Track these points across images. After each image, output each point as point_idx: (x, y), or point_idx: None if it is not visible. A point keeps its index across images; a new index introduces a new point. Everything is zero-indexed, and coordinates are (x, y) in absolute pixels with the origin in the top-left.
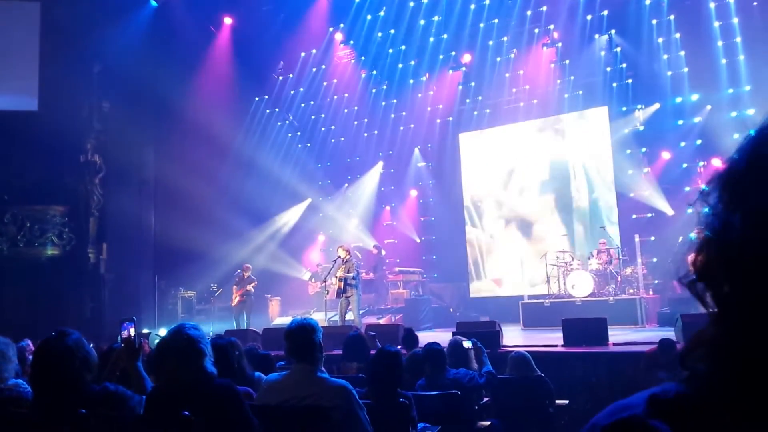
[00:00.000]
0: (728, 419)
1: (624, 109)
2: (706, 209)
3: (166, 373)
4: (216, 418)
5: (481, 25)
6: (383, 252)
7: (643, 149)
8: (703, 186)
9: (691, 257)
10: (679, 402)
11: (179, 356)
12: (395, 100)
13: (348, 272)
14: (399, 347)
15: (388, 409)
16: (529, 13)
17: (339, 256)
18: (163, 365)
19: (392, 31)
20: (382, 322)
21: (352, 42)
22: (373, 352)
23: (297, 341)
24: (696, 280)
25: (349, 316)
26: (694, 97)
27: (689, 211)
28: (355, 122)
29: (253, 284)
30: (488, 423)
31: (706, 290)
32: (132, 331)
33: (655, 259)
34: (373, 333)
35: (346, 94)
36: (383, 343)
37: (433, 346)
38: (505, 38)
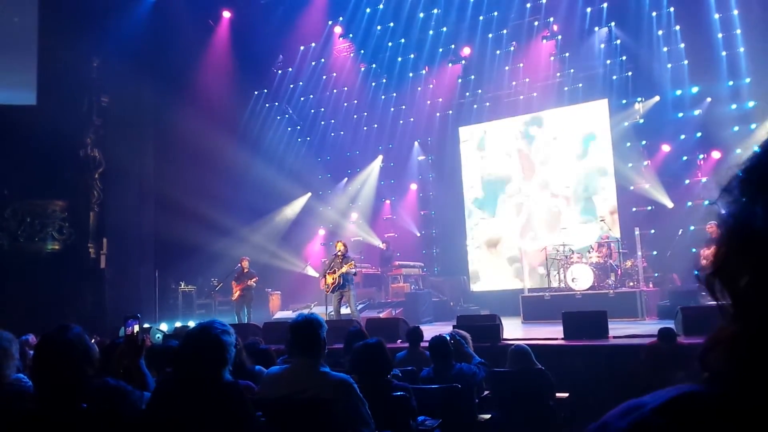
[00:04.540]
0: (757, 424)
1: (624, 101)
2: (728, 201)
3: (184, 368)
4: (220, 417)
5: (481, 17)
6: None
7: (643, 142)
8: (703, 179)
9: (706, 252)
10: (701, 406)
11: (202, 357)
12: (395, 94)
13: (351, 268)
14: (400, 342)
15: (385, 400)
16: (528, 5)
17: (338, 251)
18: (183, 360)
19: (391, 24)
20: (382, 315)
21: (351, 35)
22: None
23: (302, 335)
24: (713, 273)
25: (345, 310)
26: (694, 89)
27: (689, 204)
28: (355, 116)
29: (254, 279)
30: (489, 416)
31: (723, 285)
32: (136, 329)
33: (655, 252)
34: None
35: (346, 88)
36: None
37: (439, 340)
38: (505, 31)
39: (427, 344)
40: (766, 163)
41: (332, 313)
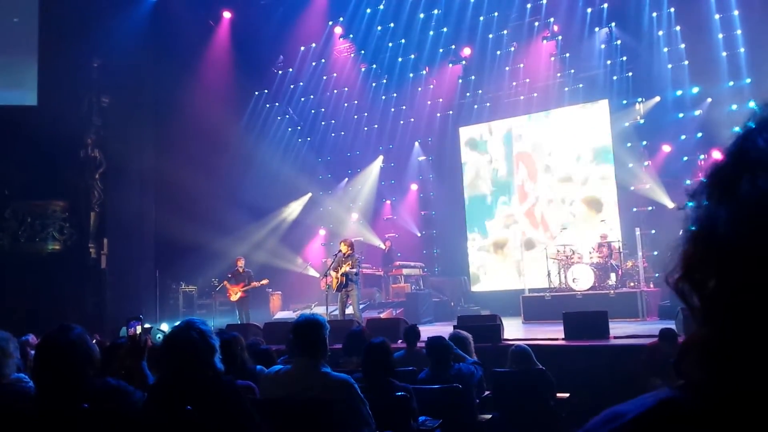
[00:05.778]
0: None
1: (624, 102)
2: (693, 204)
3: (173, 368)
4: (218, 415)
5: (481, 18)
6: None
7: (644, 142)
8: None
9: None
10: (677, 414)
11: (190, 352)
12: (395, 94)
13: (351, 267)
14: (400, 341)
15: (386, 400)
16: (529, 6)
17: (340, 251)
18: (172, 360)
19: (392, 24)
20: (383, 316)
21: (351, 36)
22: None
23: (304, 336)
24: (681, 276)
25: (349, 310)
26: (695, 90)
27: (689, 205)
28: (355, 116)
29: (263, 282)
30: (489, 416)
31: (691, 289)
32: (139, 329)
33: (655, 253)
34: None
35: (346, 89)
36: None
37: (437, 340)
38: (505, 31)
39: (423, 344)
40: (728, 168)
41: (333, 312)
